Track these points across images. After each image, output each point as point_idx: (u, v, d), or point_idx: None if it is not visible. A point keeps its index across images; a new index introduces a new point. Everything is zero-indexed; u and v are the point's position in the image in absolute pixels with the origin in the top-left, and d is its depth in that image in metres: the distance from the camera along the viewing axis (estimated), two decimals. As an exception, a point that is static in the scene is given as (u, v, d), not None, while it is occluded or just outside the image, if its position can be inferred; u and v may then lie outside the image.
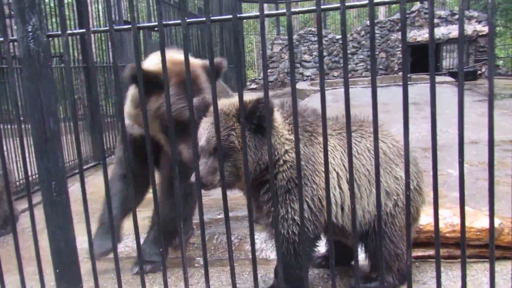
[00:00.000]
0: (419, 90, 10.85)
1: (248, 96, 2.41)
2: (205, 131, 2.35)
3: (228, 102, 2.40)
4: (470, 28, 18.51)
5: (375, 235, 2.52)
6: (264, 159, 2.35)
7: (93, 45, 7.14)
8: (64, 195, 2.07)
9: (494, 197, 2.05)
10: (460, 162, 1.96)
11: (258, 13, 1.76)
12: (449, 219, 2.99)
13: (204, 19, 1.79)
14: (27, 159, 2.16)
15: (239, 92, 1.90)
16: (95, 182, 5.84)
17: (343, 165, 2.50)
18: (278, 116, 2.45)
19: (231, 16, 1.77)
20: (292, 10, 1.73)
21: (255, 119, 2.27)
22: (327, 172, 1.87)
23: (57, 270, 2.18)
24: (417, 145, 6.33)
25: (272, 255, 3.53)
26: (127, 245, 3.85)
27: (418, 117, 8.73)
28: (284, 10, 1.74)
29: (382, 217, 2.53)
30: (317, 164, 2.44)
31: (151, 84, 2.71)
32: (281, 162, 2.41)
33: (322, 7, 1.71)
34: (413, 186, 2.65)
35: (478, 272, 2.79)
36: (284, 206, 2.40)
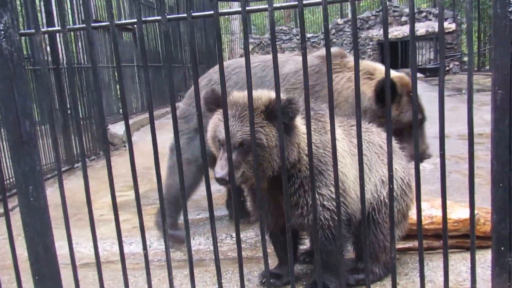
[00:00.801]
0: (389, 86, 11.03)
1: (270, 93, 2.36)
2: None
3: (254, 96, 2.34)
4: (437, 25, 18.97)
5: (368, 223, 2.57)
6: (291, 158, 2.37)
7: (60, 46, 6.95)
8: (42, 200, 2.01)
9: (474, 189, 2.11)
10: (442, 154, 2.00)
11: (240, 9, 1.75)
12: (427, 211, 3.05)
13: (185, 15, 1.76)
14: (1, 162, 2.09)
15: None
16: (69, 187, 5.69)
17: (351, 152, 2.57)
18: (298, 116, 2.43)
19: (212, 12, 1.75)
20: (274, 5, 1.72)
21: (286, 119, 2.23)
22: (310, 155, 1.88)
23: (36, 277, 2.11)
24: (391, 140, 6.42)
25: (254, 253, 3.52)
26: (105, 249, 3.77)
27: (391, 113, 8.88)
28: (265, 6, 1.73)
29: (375, 207, 2.61)
30: None
31: (392, 92, 3.13)
32: (304, 157, 2.43)
33: (304, 2, 1.71)
34: (406, 181, 2.72)
35: (457, 262, 2.86)
36: (312, 195, 2.40)
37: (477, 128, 6.85)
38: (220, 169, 2.23)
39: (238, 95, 2.37)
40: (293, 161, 2.38)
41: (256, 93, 2.38)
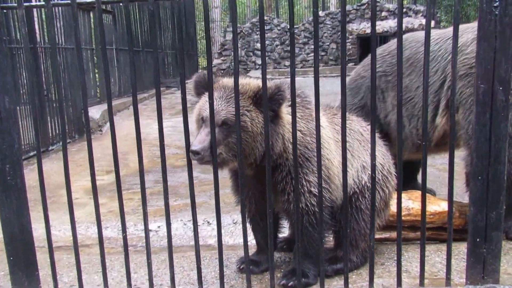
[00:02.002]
0: (369, 80, 11.18)
1: (258, 81, 2.34)
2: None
3: (243, 82, 2.35)
4: (417, 22, 19.25)
5: (351, 209, 2.59)
6: (276, 149, 2.36)
7: (38, 24, 6.75)
8: (19, 179, 1.95)
9: (453, 182, 2.16)
10: (424, 145, 2.04)
11: (230, -8, 1.72)
12: (404, 203, 3.09)
13: (173, -5, 1.72)
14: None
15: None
16: (43, 170, 5.57)
17: (335, 139, 2.60)
18: (284, 106, 2.42)
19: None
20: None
21: (274, 105, 2.24)
22: (294, 138, 1.88)
23: (11, 258, 2.07)
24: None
25: (231, 240, 3.53)
26: (80, 233, 3.70)
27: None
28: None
29: (356, 191, 2.63)
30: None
31: None
32: (290, 146, 2.40)
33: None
34: (386, 169, 2.76)
35: (432, 253, 2.92)
36: (295, 181, 2.40)
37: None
38: (198, 142, 2.19)
39: (228, 80, 2.38)
40: (278, 151, 2.38)
41: (246, 80, 2.39)
